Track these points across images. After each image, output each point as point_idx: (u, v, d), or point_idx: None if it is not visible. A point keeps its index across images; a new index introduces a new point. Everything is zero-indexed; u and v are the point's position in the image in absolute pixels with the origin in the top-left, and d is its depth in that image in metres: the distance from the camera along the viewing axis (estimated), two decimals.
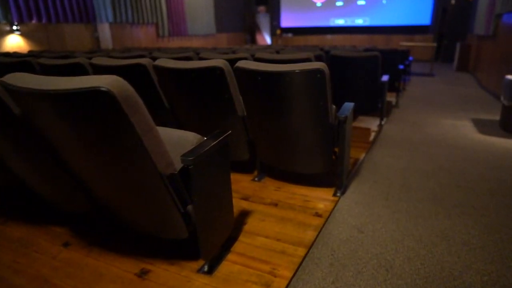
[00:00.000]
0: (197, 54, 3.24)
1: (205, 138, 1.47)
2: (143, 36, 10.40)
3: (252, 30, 16.47)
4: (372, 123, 4.03)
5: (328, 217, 1.98)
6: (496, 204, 2.11)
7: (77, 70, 2.51)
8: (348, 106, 2.14)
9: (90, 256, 1.62)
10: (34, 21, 7.12)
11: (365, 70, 3.59)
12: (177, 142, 1.46)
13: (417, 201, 2.16)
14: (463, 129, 3.77)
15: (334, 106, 2.17)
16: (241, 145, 2.34)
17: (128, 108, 1.03)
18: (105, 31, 8.79)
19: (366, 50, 5.20)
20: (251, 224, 1.92)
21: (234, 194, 2.26)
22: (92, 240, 1.73)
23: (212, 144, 1.38)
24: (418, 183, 2.41)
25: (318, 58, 3.45)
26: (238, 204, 2.13)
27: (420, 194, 2.24)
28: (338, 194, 2.22)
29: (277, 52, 3.98)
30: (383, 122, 4.01)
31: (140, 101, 1.09)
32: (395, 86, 5.44)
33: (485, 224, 1.89)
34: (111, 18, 8.74)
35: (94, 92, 0.99)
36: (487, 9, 7.11)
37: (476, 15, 8.52)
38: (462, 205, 2.10)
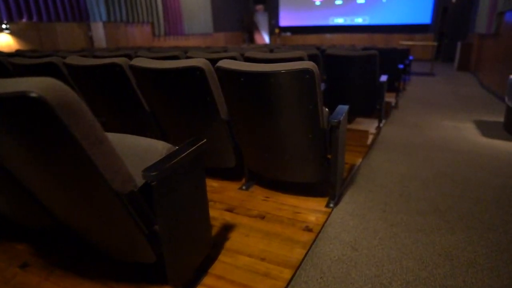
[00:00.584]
0: (185, 53, 3.06)
1: (176, 148, 1.29)
2: (138, 35, 10.22)
3: (250, 29, 16.30)
4: (370, 125, 3.85)
5: (319, 232, 1.80)
6: (504, 216, 1.93)
7: (51, 70, 2.33)
8: (342, 109, 1.96)
9: (49, 280, 1.44)
10: (24, 20, 6.94)
11: (363, 70, 3.41)
12: (144, 152, 1.28)
13: (417, 213, 1.97)
14: (465, 132, 3.58)
15: (326, 109, 1.99)
16: (227, 151, 2.16)
17: (67, 117, 0.85)
18: (98, 30, 8.61)
19: (365, 49, 5.02)
20: (234, 240, 1.73)
21: (218, 205, 2.09)
22: (54, 260, 1.55)
23: (181, 156, 1.20)
24: (418, 192, 2.23)
25: (312, 57, 3.28)
26: (221, 217, 1.95)
27: (420, 205, 2.06)
28: (331, 205, 2.04)
29: (271, 51, 3.80)
30: (381, 124, 3.83)
31: (84, 108, 0.91)
32: (394, 86, 5.26)
33: (493, 240, 1.71)
34: (104, 17, 8.56)
35: (22, 98, 0.81)
36: (489, 7, 6.92)
37: (478, 13, 8.34)
38: (466, 218, 1.92)
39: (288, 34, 15.22)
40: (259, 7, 15.92)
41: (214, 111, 1.94)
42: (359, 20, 13.66)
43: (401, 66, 5.18)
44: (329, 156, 1.95)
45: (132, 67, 1.96)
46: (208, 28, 13.12)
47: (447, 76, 8.22)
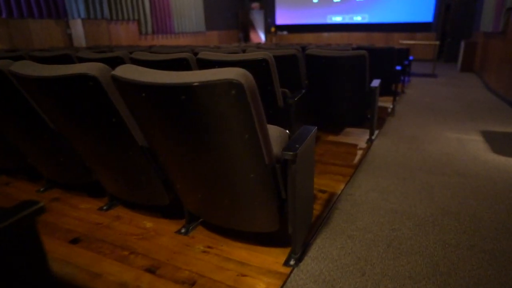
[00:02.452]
0: (129, 53, 2.51)
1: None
2: (123, 33, 9.68)
3: (245, 28, 15.78)
4: (360, 138, 3.29)
5: None
6: None
7: None
8: (305, 133, 1.41)
9: None
10: None
11: (350, 73, 2.85)
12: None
13: (409, 279, 1.42)
14: (472, 147, 3.02)
15: (286, 131, 1.44)
16: (155, 186, 1.61)
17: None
18: (77, 27, 8.06)
19: (358, 48, 4.47)
20: None
21: (139, 261, 1.53)
22: None
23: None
24: (413, 241, 1.68)
25: (291, 58, 2.73)
26: (136, 283, 1.40)
27: (414, 263, 1.51)
28: (292, 262, 1.49)
29: (243, 51, 3.24)
30: (373, 137, 3.27)
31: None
32: (391, 89, 4.70)
33: None
34: (83, 14, 8.01)
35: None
36: (495, 3, 6.35)
37: (483, 10, 7.77)
38: (479, 286, 1.36)
39: (285, 33, 14.73)
40: (255, 5, 15.39)
41: (127, 136, 1.39)
42: (358, 19, 13.16)
43: (398, 67, 4.62)
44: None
45: (12, 74, 1.40)
46: (200, 26, 12.57)
47: (449, 77, 7.65)
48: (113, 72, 1.14)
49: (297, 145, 1.26)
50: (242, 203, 1.35)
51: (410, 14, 11.97)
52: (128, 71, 1.12)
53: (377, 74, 4.54)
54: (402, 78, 6.08)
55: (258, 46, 4.32)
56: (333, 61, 2.78)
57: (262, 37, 15.55)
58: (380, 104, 4.80)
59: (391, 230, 1.76)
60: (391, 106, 4.72)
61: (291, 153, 1.21)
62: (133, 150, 1.44)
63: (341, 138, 3.30)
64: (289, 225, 1.39)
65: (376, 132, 3.48)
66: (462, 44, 8.62)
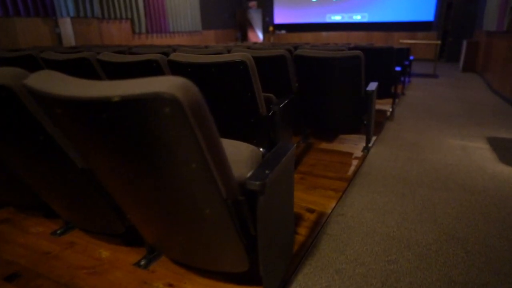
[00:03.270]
0: (96, 54, 2.25)
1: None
2: (116, 32, 9.42)
3: (243, 27, 15.51)
4: (356, 145, 3.03)
5: None
6: None
7: None
8: (281, 152, 1.15)
9: None
10: None
11: (343, 76, 2.59)
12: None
13: None
14: (478, 156, 2.76)
15: (260, 150, 1.18)
16: (105, 212, 1.35)
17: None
18: (66, 26, 7.80)
19: (354, 48, 4.20)
20: None
21: None
22: None
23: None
24: (412, 277, 1.41)
25: (279, 59, 2.48)
26: None
27: None
28: None
29: (228, 52, 2.97)
30: (370, 144, 3.01)
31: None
32: (390, 91, 4.44)
33: None
34: (72, 12, 7.75)
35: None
36: (500, 1, 6.08)
37: (486, 9, 7.51)
38: None
39: (283, 32, 14.49)
40: (252, 3, 15.12)
41: (61, 157, 1.13)
42: (357, 17, 12.91)
43: (398, 68, 4.36)
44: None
45: None
46: (196, 25, 12.32)
47: (451, 78, 7.38)
48: (25, 81, 0.88)
49: (267, 171, 1.00)
50: (201, 241, 1.09)
51: (411, 13, 11.71)
52: (43, 80, 0.86)
53: (376, 76, 4.28)
54: (402, 78, 5.81)
55: (249, 46, 4.05)
56: (325, 62, 2.52)
57: (261, 36, 15.29)
58: (379, 107, 4.54)
59: (387, 262, 1.49)
60: (390, 109, 4.46)
61: (258, 182, 0.95)
62: (72, 173, 1.18)
63: (335, 146, 3.04)
64: (260, 266, 1.13)
65: (374, 138, 3.22)
66: (464, 43, 8.36)
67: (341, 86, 2.63)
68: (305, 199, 2.06)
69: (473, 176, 2.38)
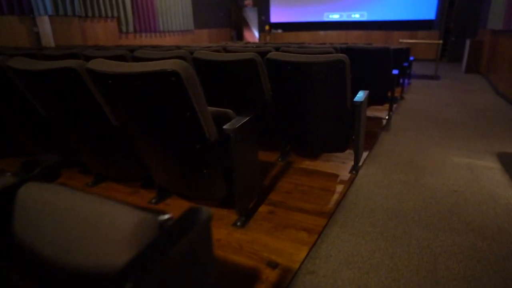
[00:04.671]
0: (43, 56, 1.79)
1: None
2: (101, 32, 8.97)
3: (239, 26, 15.08)
4: (343, 164, 2.58)
5: None
6: None
7: None
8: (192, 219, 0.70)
9: None
10: None
11: (324, 85, 2.13)
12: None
13: None
14: (488, 179, 2.30)
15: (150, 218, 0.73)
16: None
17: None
18: (45, 25, 7.34)
19: (345, 49, 3.74)
20: None
21: None
22: None
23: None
24: None
25: (247, 64, 2.03)
26: None
27: None
28: None
29: (191, 53, 2.52)
30: (360, 163, 2.55)
31: None
32: (387, 97, 3.98)
33: None
34: (50, 10, 7.30)
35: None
36: None
37: (491, 6, 7.05)
38: None
39: (279, 31, 14.06)
40: (248, 1, 14.66)
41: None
42: (356, 16, 12.48)
43: (395, 71, 3.90)
44: None
45: None
46: (188, 24, 11.85)
47: (454, 79, 6.92)
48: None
49: None
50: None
51: (411, 11, 11.27)
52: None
53: (370, 80, 3.84)
54: (401, 81, 5.35)
55: (225, 47, 3.60)
56: (301, 68, 2.06)
57: (257, 35, 14.87)
58: (374, 114, 4.09)
59: None
60: (387, 117, 4.00)
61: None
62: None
63: (319, 165, 2.58)
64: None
65: (365, 155, 2.77)
66: (467, 43, 7.92)
67: (322, 96, 2.17)
68: (269, 245, 1.60)
69: (483, 209, 1.92)
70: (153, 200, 2.00)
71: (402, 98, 5.26)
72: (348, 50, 3.69)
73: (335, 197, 2.09)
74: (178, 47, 4.10)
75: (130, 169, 1.96)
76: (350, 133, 2.34)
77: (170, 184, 1.86)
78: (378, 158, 2.71)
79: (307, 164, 2.60)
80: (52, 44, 7.39)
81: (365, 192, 2.13)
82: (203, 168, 1.57)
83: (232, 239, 1.66)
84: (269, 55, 2.13)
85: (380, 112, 4.16)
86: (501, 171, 2.44)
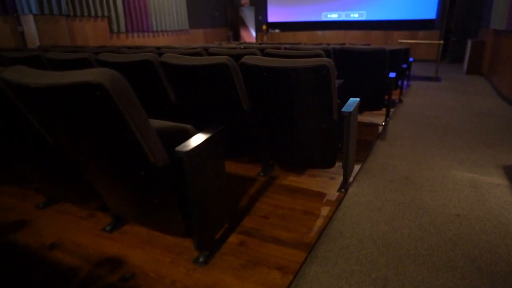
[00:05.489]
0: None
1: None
2: (90, 32, 8.69)
3: (235, 26, 14.79)
4: (331, 180, 2.29)
5: None
6: None
7: None
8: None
9: None
10: None
11: (307, 93, 1.85)
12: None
13: None
14: (495, 200, 2.02)
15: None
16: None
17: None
18: (29, 25, 7.07)
19: (339, 50, 3.46)
20: None
21: None
22: None
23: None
24: None
25: (219, 70, 1.76)
26: None
27: None
28: None
29: (160, 55, 2.24)
30: (350, 180, 2.27)
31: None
32: (383, 101, 3.69)
33: None
34: (34, 9, 7.02)
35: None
36: None
37: (493, 5, 6.77)
38: None
39: (277, 31, 13.82)
40: (245, 0, 14.38)
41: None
42: (355, 15, 12.23)
43: (392, 74, 3.62)
44: None
45: None
46: (182, 24, 11.58)
47: (455, 81, 6.63)
48: None
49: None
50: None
51: (411, 11, 11.01)
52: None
53: (365, 84, 3.56)
54: (399, 83, 5.07)
55: (206, 47, 3.32)
56: (280, 75, 1.78)
57: (254, 35, 14.61)
58: (370, 119, 3.81)
59: None
60: (383, 123, 3.72)
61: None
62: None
63: (304, 181, 2.30)
64: None
65: (357, 168, 2.49)
66: (469, 43, 7.65)
67: (305, 106, 1.89)
68: None
69: (491, 239, 1.64)
70: (107, 228, 1.73)
71: (400, 101, 4.99)
72: (341, 52, 3.41)
73: (319, 222, 1.80)
74: (158, 48, 3.81)
75: (81, 192, 1.68)
76: (338, 147, 2.06)
77: (124, 213, 1.58)
78: (371, 173, 2.43)
79: (291, 180, 2.32)
80: (37, 44, 7.11)
81: (354, 217, 1.85)
82: (153, 197, 1.29)
83: (190, 282, 1.37)
84: (243, 59, 1.85)
85: (376, 117, 3.88)
86: (509, 189, 2.15)
